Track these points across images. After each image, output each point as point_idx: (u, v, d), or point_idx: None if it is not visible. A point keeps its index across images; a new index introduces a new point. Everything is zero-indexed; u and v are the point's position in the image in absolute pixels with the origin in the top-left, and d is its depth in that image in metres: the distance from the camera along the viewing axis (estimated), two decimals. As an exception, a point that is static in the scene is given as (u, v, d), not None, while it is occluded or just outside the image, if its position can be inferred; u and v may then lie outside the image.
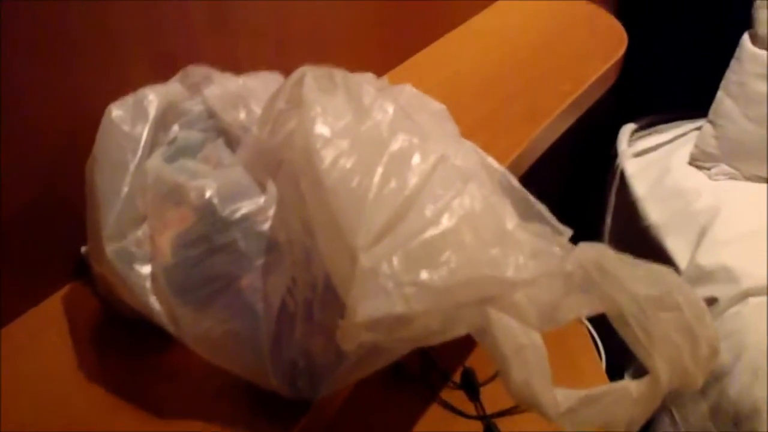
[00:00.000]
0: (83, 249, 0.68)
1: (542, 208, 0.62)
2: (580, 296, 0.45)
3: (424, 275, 0.43)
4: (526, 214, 0.60)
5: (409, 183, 0.47)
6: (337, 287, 0.48)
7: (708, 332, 0.48)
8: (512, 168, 0.85)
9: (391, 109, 0.51)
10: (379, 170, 0.47)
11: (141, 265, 0.58)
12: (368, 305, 0.42)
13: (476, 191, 0.47)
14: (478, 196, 0.47)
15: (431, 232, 0.45)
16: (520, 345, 0.51)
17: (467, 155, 0.53)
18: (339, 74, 0.54)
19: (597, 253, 0.45)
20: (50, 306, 0.69)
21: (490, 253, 0.45)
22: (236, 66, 0.73)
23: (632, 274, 0.45)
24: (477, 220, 0.46)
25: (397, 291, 0.42)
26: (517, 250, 0.45)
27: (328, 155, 0.48)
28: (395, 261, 0.43)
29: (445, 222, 0.46)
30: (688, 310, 0.46)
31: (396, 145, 0.49)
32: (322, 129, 0.49)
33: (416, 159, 0.48)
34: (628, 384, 0.51)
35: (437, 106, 0.70)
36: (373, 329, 0.44)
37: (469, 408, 1.03)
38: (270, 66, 0.74)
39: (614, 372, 1.16)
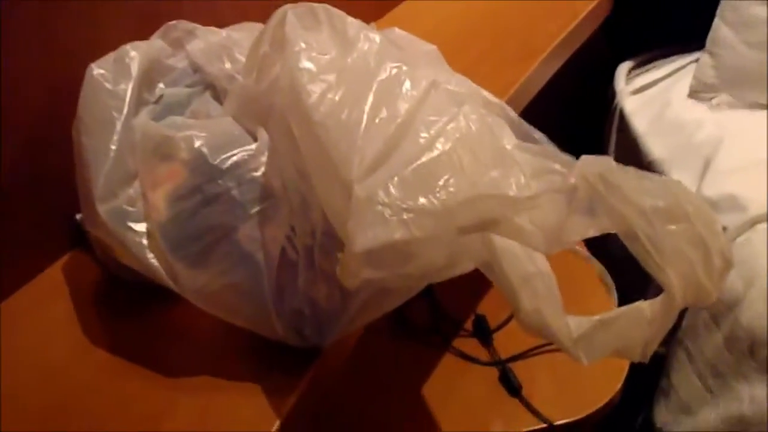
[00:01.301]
0: (78, 216, 0.67)
1: (541, 136, 0.61)
2: (586, 215, 0.44)
3: (422, 200, 0.42)
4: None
5: (401, 110, 0.45)
6: (335, 225, 0.46)
7: (719, 243, 0.46)
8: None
9: (377, 38, 0.49)
10: (369, 100, 0.45)
11: (136, 223, 0.56)
12: (366, 234, 0.41)
13: (471, 113, 0.46)
14: (474, 117, 0.45)
15: (427, 157, 0.43)
16: (528, 273, 0.50)
17: (461, 82, 0.52)
18: (322, 9, 0.52)
19: (601, 165, 0.43)
20: (51, 275, 0.68)
21: (489, 175, 0.43)
22: (220, 20, 0.71)
23: (639, 186, 0.43)
24: (474, 142, 0.45)
25: (396, 217, 0.41)
26: (518, 169, 0.44)
27: (315, 90, 0.46)
28: (391, 188, 0.42)
29: (441, 146, 0.44)
30: (697, 220, 0.44)
31: (384, 73, 0.47)
32: (307, 64, 0.47)
33: (407, 86, 0.47)
34: (642, 305, 0.50)
35: (428, 46, 0.68)
36: (375, 264, 0.43)
37: (483, 355, 1.02)
38: (255, 17, 0.72)
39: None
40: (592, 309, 1.07)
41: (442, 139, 0.44)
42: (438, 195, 0.42)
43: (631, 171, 0.45)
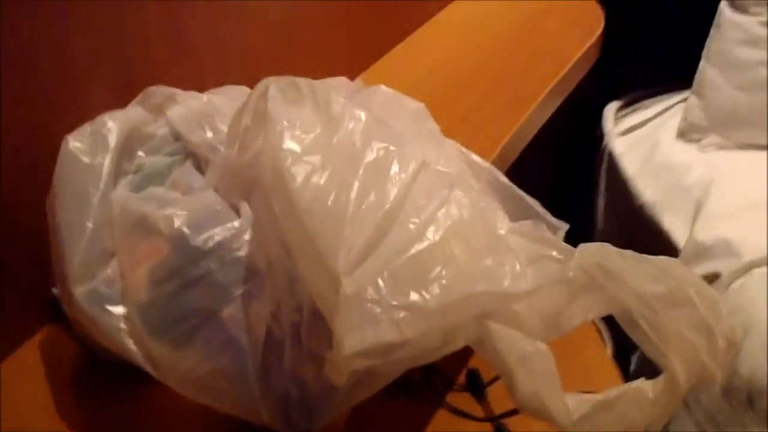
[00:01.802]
0: (55, 290, 0.64)
1: (533, 202, 0.59)
2: (584, 300, 0.42)
3: (414, 296, 0.39)
4: (517, 211, 0.57)
5: (389, 195, 0.43)
6: (322, 309, 0.44)
7: (723, 324, 0.45)
8: (499, 160, 0.82)
9: (363, 115, 0.47)
10: (356, 184, 0.43)
11: (113, 305, 0.54)
12: (356, 336, 0.39)
13: (463, 197, 0.44)
14: (465, 202, 0.44)
15: (417, 248, 0.41)
16: (525, 353, 0.48)
17: (450, 157, 0.50)
18: (305, 83, 0.50)
19: (599, 253, 0.41)
20: (26, 352, 0.65)
21: (483, 264, 0.41)
22: (200, 84, 0.70)
23: (637, 271, 0.42)
24: (466, 230, 0.43)
25: (387, 317, 0.39)
26: (512, 257, 0.42)
27: (299, 172, 0.44)
28: (381, 283, 0.40)
29: (432, 235, 0.42)
30: (700, 303, 0.43)
31: (371, 155, 0.45)
32: (290, 144, 0.46)
33: (395, 168, 0.45)
34: (643, 385, 0.48)
35: (415, 104, 0.67)
36: (366, 357, 0.41)
37: (477, 410, 0.99)
38: (237, 79, 0.70)
39: (620, 353, 1.14)
40: (587, 360, 1.05)
41: (432, 228, 0.42)
42: (430, 290, 0.40)
43: (629, 256, 0.43)
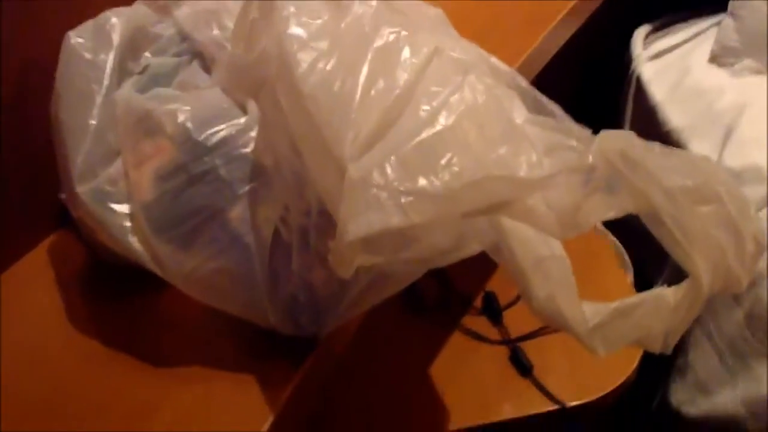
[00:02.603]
0: (62, 195, 0.63)
1: (555, 107, 0.56)
2: (604, 195, 0.39)
3: (422, 181, 0.37)
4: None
5: (400, 81, 0.41)
6: (329, 207, 0.42)
7: (752, 226, 0.42)
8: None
9: (373, 1, 0.44)
10: (364, 69, 0.41)
11: (117, 204, 0.53)
12: (360, 221, 0.37)
13: (477, 83, 0.41)
14: (480, 88, 0.41)
15: (428, 132, 0.39)
16: (541, 257, 0.46)
17: (466, 48, 0.47)
18: (314, -31, 0.47)
19: (622, 141, 0.39)
20: (35, 258, 0.64)
21: (497, 152, 0.39)
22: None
23: (664, 163, 0.39)
24: (480, 116, 0.40)
25: (393, 201, 0.37)
26: (529, 145, 0.39)
27: (304, 58, 0.41)
28: (388, 168, 0.37)
29: (444, 120, 0.40)
30: (730, 201, 0.40)
31: (381, 39, 0.42)
32: (296, 30, 0.43)
33: (406, 53, 0.42)
34: (664, 291, 0.46)
35: (433, 10, 0.64)
36: (372, 250, 0.39)
37: (493, 333, 0.99)
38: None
39: (643, 287, 1.11)
40: (607, 286, 1.04)
41: (445, 113, 0.40)
42: (440, 176, 0.37)
43: (656, 147, 0.40)
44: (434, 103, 0.40)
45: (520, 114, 0.42)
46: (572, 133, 0.40)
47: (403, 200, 0.37)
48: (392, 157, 0.38)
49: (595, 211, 0.40)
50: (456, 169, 0.37)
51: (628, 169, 0.38)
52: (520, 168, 0.38)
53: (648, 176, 0.38)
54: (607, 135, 0.40)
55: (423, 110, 0.40)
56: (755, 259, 0.44)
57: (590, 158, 0.37)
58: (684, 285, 0.45)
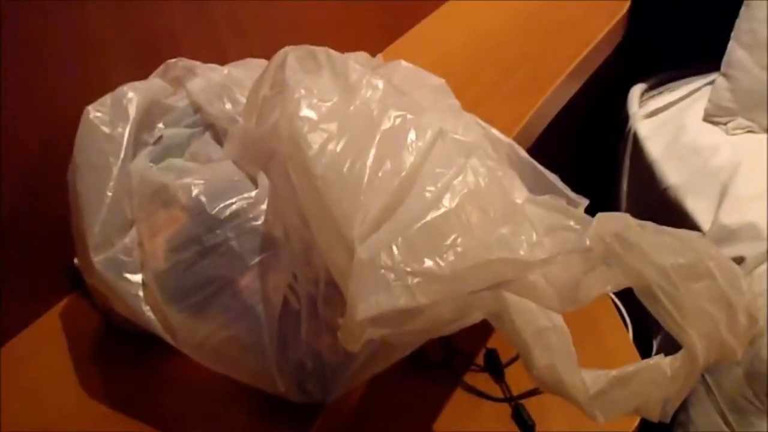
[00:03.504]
0: (76, 260, 0.65)
1: (554, 178, 0.58)
2: (602, 272, 0.41)
3: (428, 263, 0.39)
4: (537, 187, 0.56)
5: (406, 163, 0.43)
6: (338, 281, 0.44)
7: (744, 299, 0.44)
8: (519, 140, 0.80)
9: (380, 84, 0.47)
10: (372, 152, 0.43)
11: (132, 273, 0.54)
12: (369, 301, 0.38)
13: (479, 166, 0.43)
14: (482, 170, 0.43)
15: (433, 214, 0.41)
16: (541, 328, 0.47)
17: (469, 128, 0.49)
18: (322, 52, 0.50)
19: (618, 223, 0.41)
20: (48, 321, 0.66)
21: (499, 232, 0.41)
22: (221, 58, 0.70)
23: (657, 243, 0.41)
24: (482, 198, 0.42)
25: (400, 283, 0.38)
26: (529, 226, 0.41)
27: (315, 140, 0.44)
28: (395, 250, 0.39)
29: (448, 202, 0.42)
30: (721, 277, 0.42)
31: (388, 122, 0.45)
32: (307, 112, 0.45)
33: (411, 136, 0.44)
34: (661, 361, 0.47)
35: (436, 80, 0.67)
36: (379, 325, 0.40)
37: (495, 390, 0.99)
38: (257, 54, 0.70)
39: (641, 339, 1.12)
40: (608, 343, 1.04)
41: (448, 195, 0.42)
42: (445, 257, 0.39)
43: (649, 227, 0.42)
44: (438, 185, 0.42)
45: (520, 194, 0.45)
46: (570, 215, 0.42)
47: (410, 281, 0.38)
48: (399, 239, 0.40)
49: (594, 286, 0.42)
50: (460, 249, 0.39)
51: (623, 250, 0.40)
52: (521, 247, 0.40)
53: (642, 256, 0.40)
54: (604, 217, 0.41)
55: (428, 192, 0.42)
56: (748, 331, 0.45)
57: (588, 241, 0.39)
58: (680, 355, 0.46)
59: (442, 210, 0.41)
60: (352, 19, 0.97)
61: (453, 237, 0.40)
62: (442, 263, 0.39)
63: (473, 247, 0.40)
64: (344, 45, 0.61)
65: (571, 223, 0.42)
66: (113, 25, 0.66)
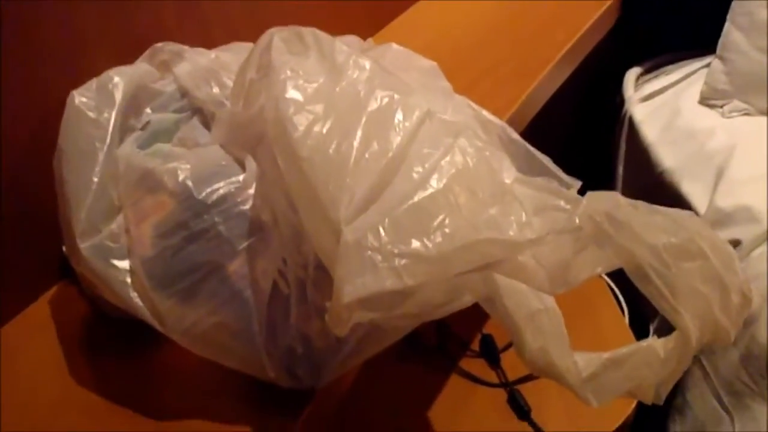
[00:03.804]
0: (64, 248, 0.64)
1: (546, 160, 0.57)
2: (593, 252, 0.41)
3: (415, 244, 0.39)
4: (530, 169, 0.56)
5: (393, 144, 0.42)
6: (326, 263, 0.44)
7: (738, 279, 0.43)
8: (512, 123, 0.80)
9: (367, 65, 0.46)
10: (359, 133, 0.42)
11: (119, 260, 0.54)
12: (355, 283, 0.38)
13: (468, 146, 0.43)
14: (471, 150, 0.42)
15: (420, 195, 0.40)
16: (533, 310, 0.47)
17: (458, 109, 0.49)
18: (309, 33, 0.49)
19: (608, 202, 0.40)
20: (37, 310, 0.65)
21: (488, 213, 0.40)
22: (209, 42, 0.69)
23: (649, 222, 0.40)
24: (471, 178, 0.41)
25: (387, 264, 0.38)
26: (518, 206, 0.41)
27: (301, 121, 0.43)
28: (382, 231, 0.39)
29: (435, 183, 0.41)
30: (714, 256, 0.41)
31: (375, 103, 0.44)
32: (293, 93, 0.45)
33: (399, 116, 0.44)
34: (654, 343, 0.47)
35: (427, 62, 0.66)
36: (367, 308, 0.40)
37: (491, 376, 0.99)
38: (245, 38, 0.69)
39: (637, 323, 1.12)
40: (603, 326, 1.04)
41: (436, 175, 0.41)
42: (433, 238, 0.38)
43: (641, 206, 0.41)
44: (426, 166, 0.42)
45: (509, 174, 0.44)
46: (560, 194, 0.42)
47: (396, 263, 0.38)
48: (386, 220, 0.39)
49: (584, 267, 0.41)
50: (448, 230, 0.39)
51: (614, 230, 0.39)
52: (510, 228, 0.40)
53: (633, 235, 0.39)
54: (594, 196, 0.41)
55: (415, 172, 0.42)
56: (742, 312, 0.45)
57: (577, 220, 0.38)
58: (673, 337, 0.46)
59: (430, 191, 0.41)
60: (343, 5, 0.96)
61: (441, 218, 0.39)
62: (429, 244, 0.38)
63: (461, 227, 0.39)
64: (334, 31, 0.60)
65: (561, 202, 0.41)
66: (101, 10, 0.65)
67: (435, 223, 0.39)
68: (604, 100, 1.43)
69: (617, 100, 1.38)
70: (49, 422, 0.55)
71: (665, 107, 1.30)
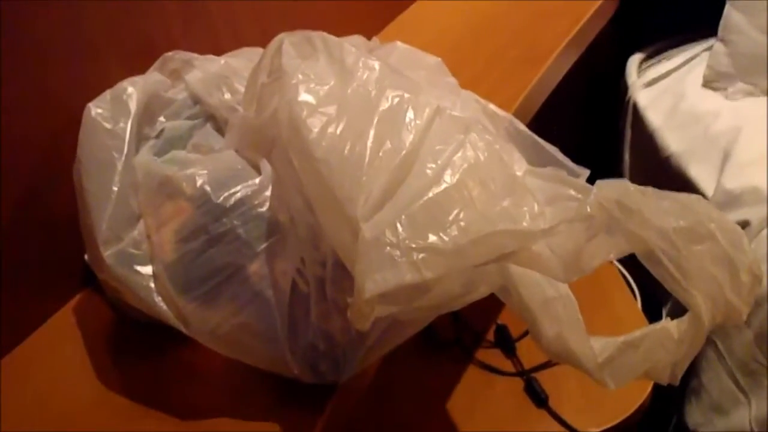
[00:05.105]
0: (87, 256, 0.66)
1: (554, 150, 0.59)
2: (604, 239, 0.42)
3: (432, 238, 0.40)
4: (538, 160, 0.57)
5: (405, 142, 0.44)
6: (344, 260, 0.45)
7: (747, 258, 0.44)
8: (518, 115, 0.81)
9: (377, 66, 0.47)
10: (371, 132, 0.44)
11: (142, 265, 0.55)
12: (376, 279, 0.39)
13: (478, 140, 0.44)
14: (481, 145, 0.44)
15: (435, 191, 0.42)
16: (548, 298, 0.48)
17: (466, 104, 0.50)
18: (318, 37, 0.50)
19: (617, 190, 0.41)
20: (62, 318, 0.67)
21: (501, 205, 0.41)
22: (217, 48, 0.70)
23: (658, 207, 0.41)
24: (483, 172, 0.43)
25: (406, 259, 0.39)
26: (530, 197, 0.42)
27: (315, 124, 0.44)
28: (399, 227, 0.40)
29: (449, 178, 0.42)
30: (723, 237, 0.42)
31: (386, 103, 0.45)
32: (306, 96, 0.46)
33: (410, 115, 0.45)
34: (668, 325, 0.48)
35: (432, 59, 0.67)
36: (388, 302, 0.41)
37: (507, 365, 1.00)
38: (252, 43, 0.71)
39: (651, 308, 1.13)
40: (617, 311, 1.05)
41: (449, 171, 0.42)
42: (449, 231, 0.40)
43: (650, 192, 0.42)
44: (439, 162, 0.43)
45: (520, 167, 0.45)
46: (570, 184, 0.43)
47: (415, 257, 0.39)
48: (402, 216, 0.40)
49: (597, 254, 0.42)
50: (463, 224, 0.40)
51: (624, 217, 0.40)
52: (523, 219, 0.41)
53: (644, 221, 0.40)
54: (604, 184, 0.42)
55: (429, 169, 0.43)
56: (752, 291, 0.46)
57: (588, 208, 0.40)
58: (686, 318, 0.47)
59: (444, 186, 0.42)
60: (346, 4, 0.97)
61: (455, 212, 0.41)
62: (446, 238, 0.40)
63: (476, 220, 0.40)
64: (339, 30, 0.61)
65: (572, 192, 0.42)
66: (110, 22, 0.67)
67: (450, 218, 0.40)
68: (607, 87, 1.44)
69: (621, 87, 1.39)
70: (79, 426, 0.57)
71: (669, 92, 1.30)
